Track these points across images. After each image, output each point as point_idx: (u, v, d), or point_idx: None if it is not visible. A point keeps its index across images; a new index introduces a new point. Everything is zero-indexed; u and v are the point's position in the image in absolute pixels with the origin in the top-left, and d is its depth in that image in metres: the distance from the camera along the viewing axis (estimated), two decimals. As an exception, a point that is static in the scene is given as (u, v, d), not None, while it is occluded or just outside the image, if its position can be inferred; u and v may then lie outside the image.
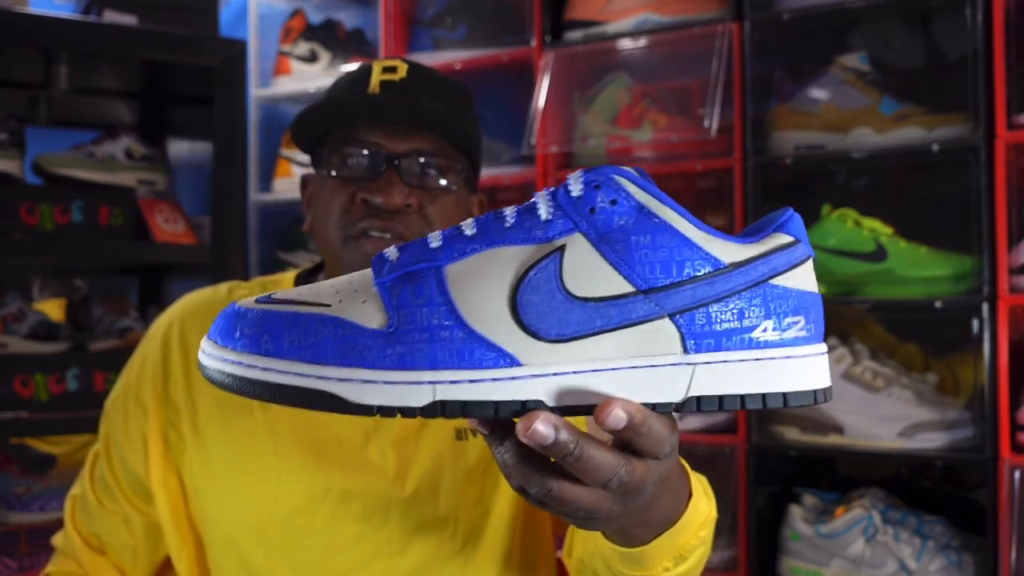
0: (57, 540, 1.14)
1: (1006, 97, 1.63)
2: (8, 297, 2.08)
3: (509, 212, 0.58)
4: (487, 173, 2.21)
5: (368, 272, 0.58)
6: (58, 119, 2.35)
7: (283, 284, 1.14)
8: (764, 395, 0.56)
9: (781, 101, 1.89)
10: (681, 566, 0.76)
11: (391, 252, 0.58)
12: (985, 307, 1.65)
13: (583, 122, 2.08)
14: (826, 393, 0.58)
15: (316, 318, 0.55)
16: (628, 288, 0.55)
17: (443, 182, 1.02)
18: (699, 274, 0.55)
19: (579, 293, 0.55)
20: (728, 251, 0.56)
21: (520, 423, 0.53)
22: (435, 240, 0.57)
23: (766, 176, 1.87)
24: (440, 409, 0.54)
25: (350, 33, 2.55)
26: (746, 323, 0.56)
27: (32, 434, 2.11)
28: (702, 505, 0.77)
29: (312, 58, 2.51)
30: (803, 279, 0.57)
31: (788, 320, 0.56)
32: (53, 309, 2.27)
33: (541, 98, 2.05)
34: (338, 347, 0.54)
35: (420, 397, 0.54)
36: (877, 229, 1.80)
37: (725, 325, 0.55)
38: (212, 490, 1.04)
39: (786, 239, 0.57)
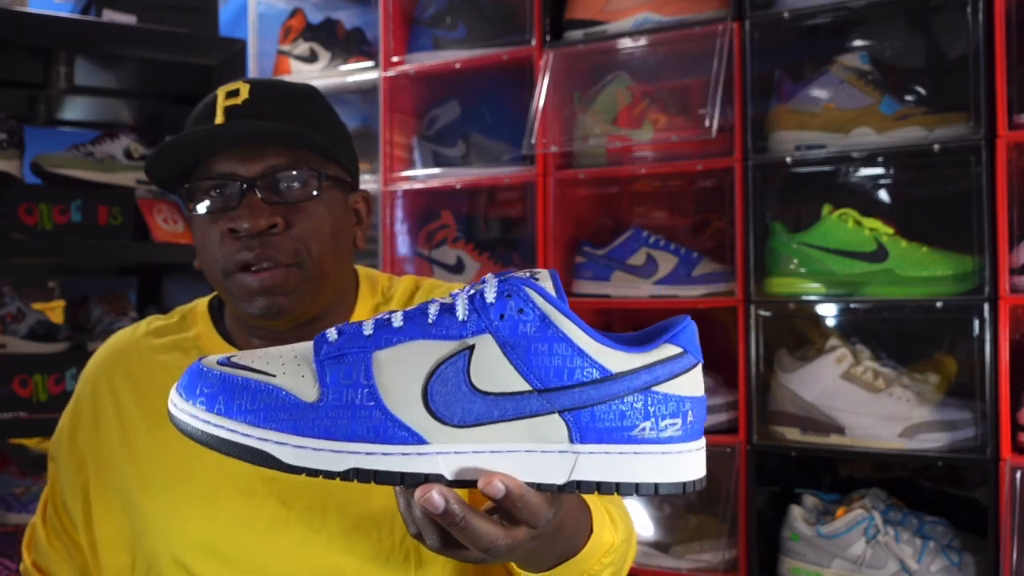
0: (21, 568, 1.17)
1: (1007, 97, 1.63)
2: (7, 297, 2.07)
3: (432, 309, 0.67)
4: (487, 173, 2.21)
5: (308, 346, 0.68)
6: (57, 119, 2.35)
7: (197, 310, 1.16)
8: (637, 484, 0.65)
9: (781, 101, 1.88)
10: None
11: (331, 334, 0.68)
12: (986, 307, 1.65)
13: (583, 122, 2.08)
14: (696, 484, 0.66)
15: (263, 387, 0.65)
16: (525, 387, 0.64)
17: (305, 193, 1.02)
18: (587, 380, 0.64)
19: (482, 387, 0.64)
20: (617, 360, 0.64)
21: (418, 491, 0.64)
22: (368, 328, 0.67)
23: (766, 176, 1.87)
24: (355, 475, 0.64)
25: (350, 33, 2.55)
26: (626, 423, 0.64)
27: (31, 434, 2.11)
28: (606, 536, 0.86)
29: (312, 58, 2.51)
30: (685, 385, 0.66)
31: (665, 422, 0.65)
32: (52, 310, 2.27)
33: (541, 98, 2.05)
34: (278, 414, 0.65)
35: (340, 464, 0.64)
36: (877, 229, 1.80)
37: (607, 423, 0.64)
38: (157, 519, 1.05)
39: (673, 351, 0.66)
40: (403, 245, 2.38)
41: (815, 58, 1.94)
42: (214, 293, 1.17)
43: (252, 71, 2.53)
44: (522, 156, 2.13)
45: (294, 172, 1.02)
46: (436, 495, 0.63)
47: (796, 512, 1.80)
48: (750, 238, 1.86)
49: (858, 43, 1.95)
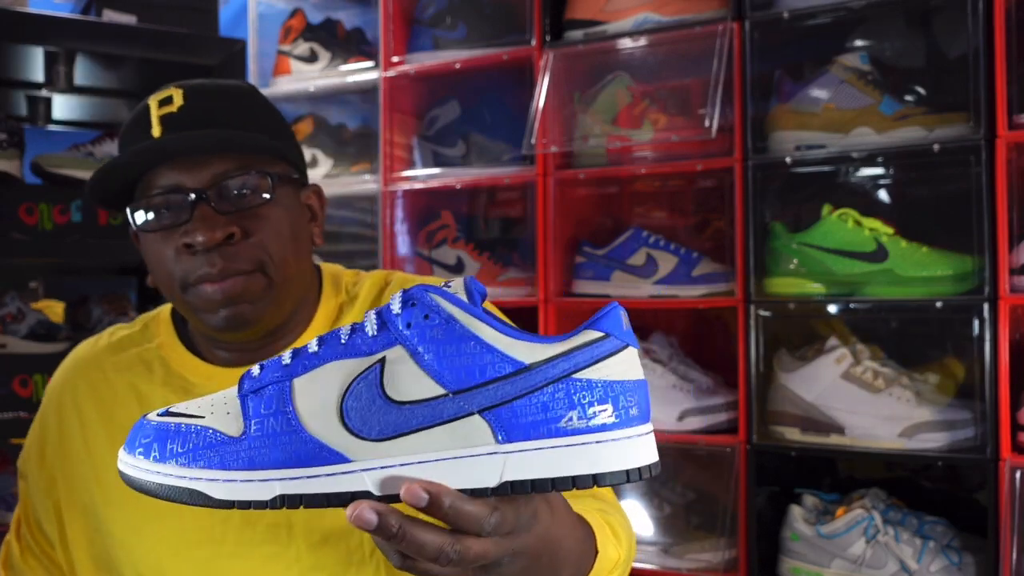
0: None
1: (1007, 97, 1.63)
2: (7, 297, 2.07)
3: (344, 331, 0.68)
4: (487, 173, 2.21)
5: (234, 386, 0.69)
6: (57, 119, 2.35)
7: (160, 318, 1.12)
8: (574, 478, 0.62)
9: (781, 101, 1.88)
10: None
11: (255, 369, 0.69)
12: (986, 307, 1.65)
13: (583, 122, 2.08)
14: (644, 471, 0.64)
15: (193, 429, 0.67)
16: (440, 391, 0.63)
17: (260, 197, 0.98)
18: (500, 375, 0.63)
19: (396, 397, 0.64)
20: (531, 352, 0.63)
21: (347, 510, 0.62)
22: (286, 357, 0.68)
23: (766, 176, 1.87)
24: (283, 502, 0.64)
25: (350, 33, 2.55)
26: (551, 415, 0.62)
27: (31, 434, 2.11)
28: (611, 552, 0.82)
29: (312, 58, 2.51)
30: (613, 370, 0.64)
31: (593, 409, 0.63)
32: (52, 309, 2.27)
33: (541, 98, 2.05)
34: (205, 452, 0.66)
35: (266, 492, 0.64)
36: (877, 229, 1.80)
37: (530, 418, 0.62)
38: (121, 535, 1.03)
39: (593, 335, 0.64)
40: (403, 245, 2.38)
41: (815, 58, 1.94)
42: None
43: (252, 71, 2.53)
44: (522, 156, 2.13)
45: (244, 177, 0.97)
46: (366, 511, 0.61)
47: (796, 512, 1.80)
48: (750, 238, 1.86)
49: (858, 43, 1.95)
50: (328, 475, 0.64)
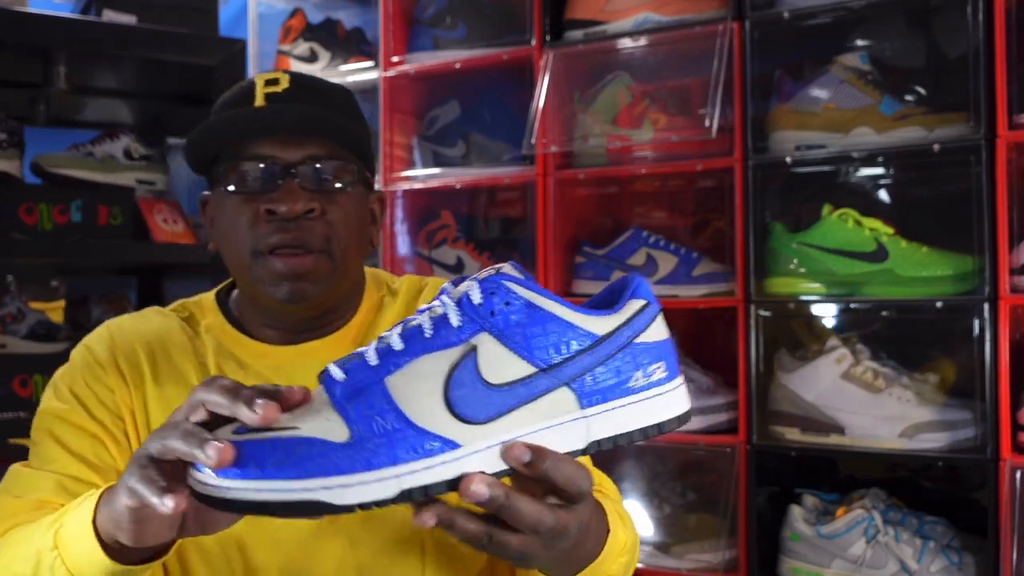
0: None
1: (1007, 97, 1.63)
2: (7, 297, 2.08)
3: (426, 325, 0.71)
4: (487, 173, 2.21)
5: (320, 391, 0.71)
6: (57, 119, 2.35)
7: (204, 304, 1.14)
8: (644, 429, 0.72)
9: (781, 101, 1.88)
10: None
11: (337, 373, 0.71)
12: (986, 307, 1.65)
13: (583, 122, 2.08)
14: (685, 416, 0.75)
15: (294, 441, 0.67)
16: (531, 369, 0.69)
17: (339, 184, 1.05)
18: (583, 348, 0.70)
19: (493, 380, 0.69)
20: (601, 324, 0.71)
21: (461, 488, 0.67)
22: (372, 358, 0.71)
23: (766, 176, 1.87)
24: (407, 496, 0.67)
25: (350, 33, 2.55)
26: (622, 378, 0.71)
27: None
28: (620, 535, 0.89)
29: (312, 58, 2.51)
30: (658, 331, 0.74)
31: (651, 367, 0.73)
32: (52, 310, 2.27)
33: (541, 98, 2.05)
34: (316, 462, 0.66)
35: (391, 489, 0.67)
36: (878, 229, 1.80)
37: (607, 383, 0.71)
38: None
39: (639, 304, 0.73)
40: (403, 245, 2.38)
41: (815, 58, 1.94)
42: (220, 286, 1.16)
43: (252, 71, 2.53)
44: (522, 156, 2.13)
45: (332, 163, 1.04)
46: (476, 486, 0.67)
47: (796, 512, 1.80)
48: (750, 238, 1.86)
49: (858, 43, 1.95)
50: (443, 463, 0.68)
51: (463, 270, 2.28)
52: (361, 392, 0.69)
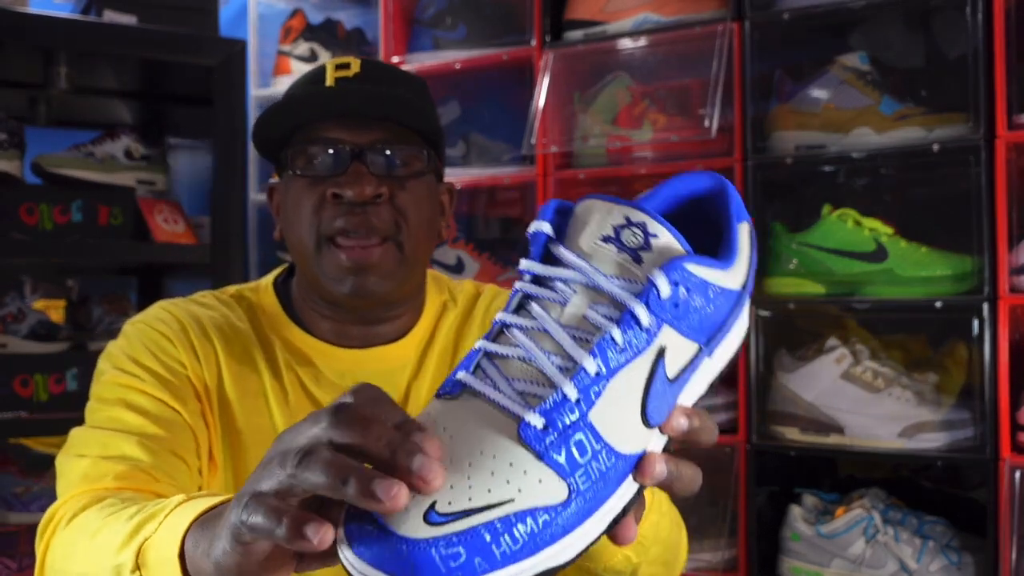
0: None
1: (1006, 97, 1.63)
2: (8, 297, 2.08)
3: (615, 333, 0.59)
4: (487, 173, 2.21)
5: (516, 448, 0.57)
6: (57, 119, 2.35)
7: (261, 291, 1.12)
8: (734, 354, 0.66)
9: (781, 101, 1.88)
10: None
11: (535, 420, 0.57)
12: (985, 307, 1.65)
13: (583, 122, 2.08)
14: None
15: (512, 518, 0.55)
16: (696, 348, 0.62)
17: (410, 171, 1.02)
18: (730, 310, 0.63)
19: (672, 375, 0.61)
20: (734, 277, 0.63)
21: (644, 468, 0.60)
22: (572, 392, 0.57)
23: (766, 176, 1.87)
24: (613, 524, 0.59)
25: (350, 33, 2.55)
26: (736, 319, 0.65)
27: (32, 434, 2.11)
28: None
29: (312, 58, 2.51)
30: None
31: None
32: (53, 309, 2.27)
33: (541, 98, 2.05)
34: (546, 531, 0.55)
35: (600, 527, 0.59)
36: (877, 229, 1.80)
37: (731, 331, 0.65)
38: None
39: (747, 227, 0.65)
40: (403, 245, 2.37)
41: (815, 58, 1.94)
42: (276, 273, 1.14)
43: (252, 71, 2.53)
44: (522, 156, 2.13)
45: (402, 148, 1.01)
46: (660, 465, 0.61)
47: (796, 512, 1.80)
48: (750, 238, 1.85)
49: (858, 43, 1.95)
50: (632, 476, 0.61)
51: (463, 270, 2.28)
52: (567, 438, 0.57)
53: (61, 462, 0.96)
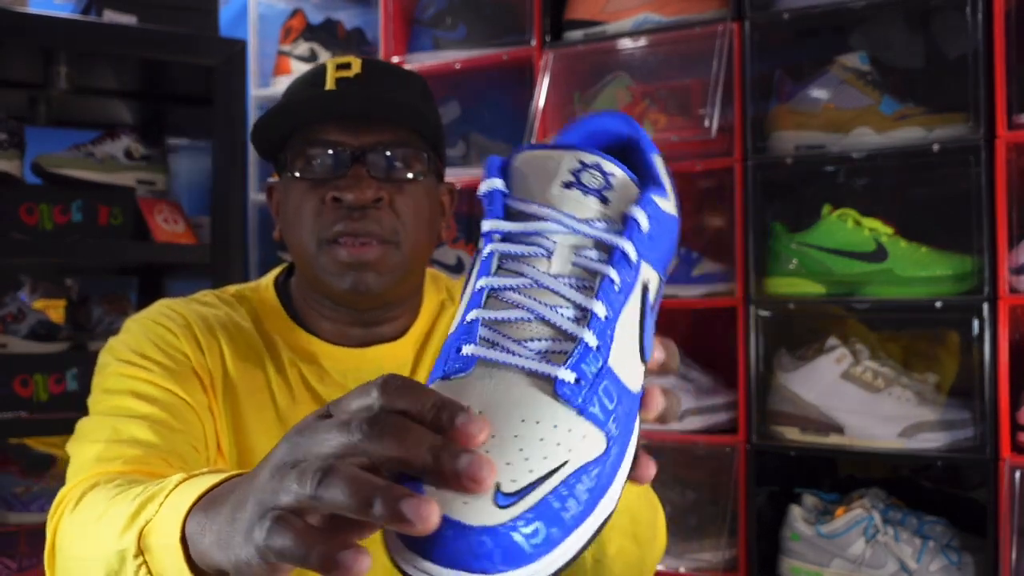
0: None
1: (1006, 97, 1.63)
2: (8, 297, 2.08)
3: (612, 273, 0.58)
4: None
5: (558, 407, 0.55)
6: (57, 119, 2.36)
7: (261, 290, 1.12)
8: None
9: (781, 101, 1.88)
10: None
11: (567, 375, 0.55)
12: (985, 307, 1.65)
13: (583, 122, 2.08)
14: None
15: (574, 479, 0.53)
16: (659, 279, 0.62)
17: (410, 173, 1.01)
18: (675, 234, 0.64)
19: (653, 308, 0.61)
20: (672, 206, 0.63)
21: (649, 403, 0.60)
22: (592, 340, 0.56)
23: (766, 176, 1.87)
24: (632, 464, 0.59)
25: (350, 33, 2.55)
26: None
27: (32, 434, 2.11)
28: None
29: (312, 58, 2.51)
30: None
31: None
32: (52, 309, 2.27)
33: (541, 98, 2.05)
34: (599, 487, 0.54)
35: (627, 469, 0.58)
36: (877, 229, 1.80)
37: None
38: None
39: (660, 159, 0.65)
40: (403, 245, 2.37)
41: (815, 58, 1.94)
42: (276, 272, 1.14)
43: (252, 71, 2.53)
44: (522, 156, 2.12)
45: (403, 150, 1.00)
46: (660, 397, 0.60)
47: (796, 512, 1.80)
48: (750, 238, 1.86)
49: (858, 43, 1.95)
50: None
51: (463, 270, 2.28)
52: (598, 386, 0.55)
53: (72, 448, 0.96)
